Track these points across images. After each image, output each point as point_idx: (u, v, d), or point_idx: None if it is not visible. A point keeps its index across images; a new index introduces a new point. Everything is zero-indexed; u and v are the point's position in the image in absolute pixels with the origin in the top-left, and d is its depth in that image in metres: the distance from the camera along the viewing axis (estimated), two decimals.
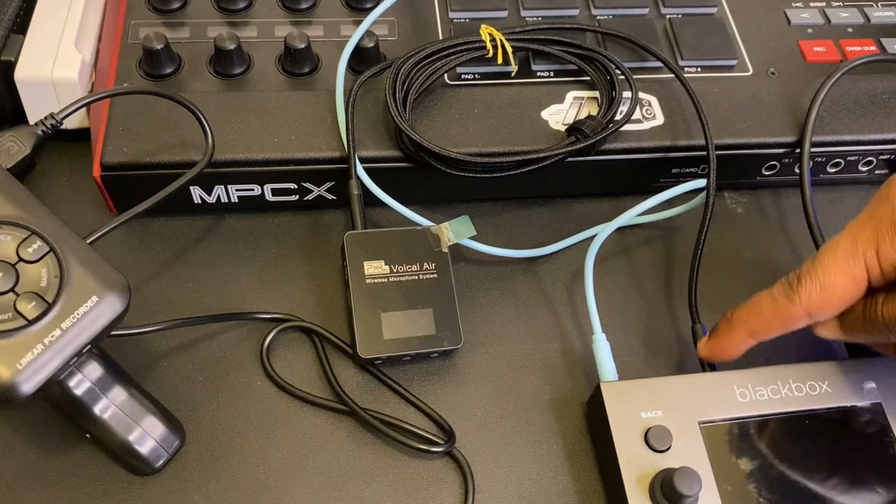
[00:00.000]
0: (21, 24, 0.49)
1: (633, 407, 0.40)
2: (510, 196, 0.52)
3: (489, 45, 0.49)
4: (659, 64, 0.51)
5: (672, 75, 0.51)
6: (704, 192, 0.47)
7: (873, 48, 0.55)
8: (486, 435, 0.43)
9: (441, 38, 0.52)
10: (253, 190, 0.48)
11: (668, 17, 0.55)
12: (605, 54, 0.50)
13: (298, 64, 0.49)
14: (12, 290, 0.32)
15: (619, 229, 0.49)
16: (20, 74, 0.47)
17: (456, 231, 0.45)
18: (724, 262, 0.50)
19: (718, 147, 0.49)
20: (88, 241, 0.37)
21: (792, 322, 0.39)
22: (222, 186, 0.47)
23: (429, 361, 0.45)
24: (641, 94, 0.51)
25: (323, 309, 0.46)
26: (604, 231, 0.47)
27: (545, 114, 0.49)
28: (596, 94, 0.50)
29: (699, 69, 0.53)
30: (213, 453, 0.41)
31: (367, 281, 0.43)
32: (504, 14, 0.53)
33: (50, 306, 0.32)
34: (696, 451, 0.39)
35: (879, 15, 0.57)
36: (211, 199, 0.48)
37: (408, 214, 0.46)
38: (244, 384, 0.44)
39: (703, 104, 0.49)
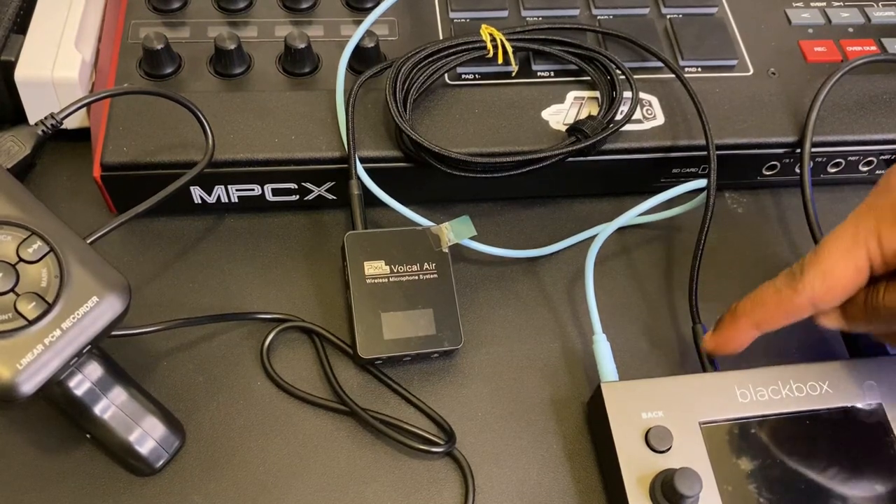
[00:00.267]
0: (21, 23, 0.49)
1: (633, 407, 0.40)
2: (510, 196, 0.52)
3: (489, 45, 0.49)
4: (659, 64, 0.51)
5: (673, 75, 0.51)
6: (705, 192, 0.47)
7: (874, 48, 0.55)
8: (486, 435, 0.43)
9: (441, 38, 0.52)
10: (253, 190, 0.48)
11: (668, 17, 0.55)
12: (605, 54, 0.50)
13: (299, 64, 0.49)
14: (12, 290, 0.32)
15: (620, 229, 0.49)
16: (20, 74, 0.47)
17: (456, 231, 0.45)
18: (724, 263, 0.50)
19: (719, 147, 0.49)
20: (88, 241, 0.37)
21: (796, 312, 0.39)
22: (222, 186, 0.47)
23: (429, 362, 0.45)
24: (642, 94, 0.51)
25: (323, 309, 0.46)
26: (604, 231, 0.47)
27: (546, 114, 0.49)
28: (596, 94, 0.50)
29: (700, 69, 0.52)
30: (214, 453, 0.41)
31: (368, 281, 0.43)
32: (504, 14, 0.53)
33: (50, 307, 0.32)
34: (696, 451, 0.39)
35: (880, 15, 0.57)
36: (211, 199, 0.48)
37: (408, 214, 0.46)
38: (244, 384, 0.44)
39: (704, 104, 0.49)
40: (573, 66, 0.51)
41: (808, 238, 0.47)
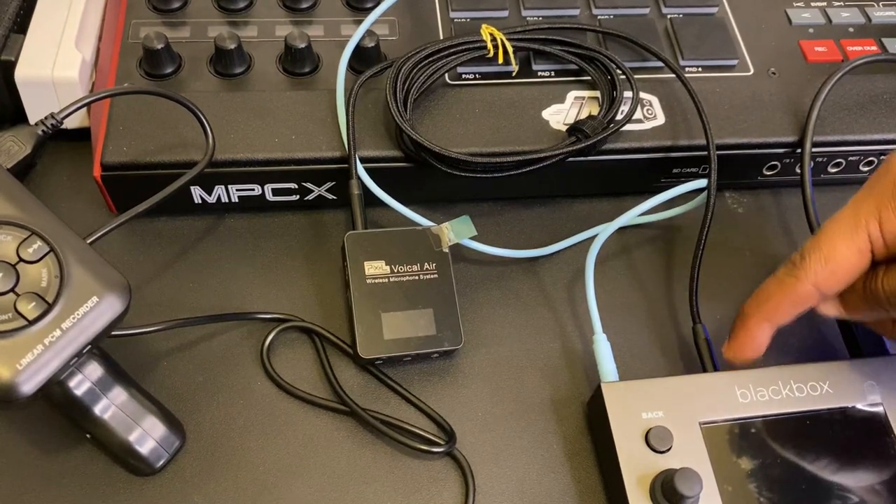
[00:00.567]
0: (21, 23, 0.49)
1: (633, 407, 0.40)
2: (511, 196, 0.52)
3: (490, 45, 0.49)
4: (660, 64, 0.51)
5: (673, 75, 0.51)
6: (705, 192, 0.47)
7: (874, 48, 0.55)
8: (486, 435, 0.43)
9: (442, 37, 0.52)
10: (253, 190, 0.48)
11: (668, 16, 0.55)
12: (606, 54, 0.50)
13: (299, 63, 0.49)
14: (12, 290, 0.32)
15: (620, 229, 0.49)
16: (20, 74, 0.47)
17: (456, 231, 0.45)
18: (725, 263, 0.50)
19: (719, 147, 0.49)
20: (88, 241, 0.37)
21: (801, 299, 0.39)
22: (223, 186, 0.47)
23: (429, 362, 0.45)
24: (642, 94, 0.50)
25: (323, 309, 0.46)
26: (605, 231, 0.47)
27: (546, 114, 0.49)
28: (597, 93, 0.50)
29: (700, 69, 0.52)
30: (214, 453, 0.41)
31: (368, 281, 0.43)
32: (505, 14, 0.53)
33: (50, 307, 0.32)
34: (696, 451, 0.39)
35: (880, 15, 0.57)
36: (211, 199, 0.48)
37: (408, 214, 0.46)
38: (244, 384, 0.44)
39: (704, 104, 0.49)
40: (573, 66, 0.51)
41: (809, 238, 0.47)
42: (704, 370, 0.43)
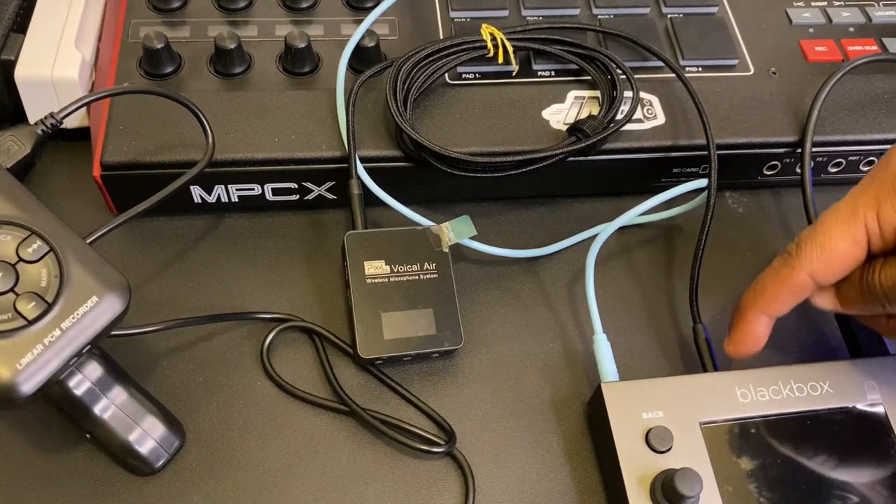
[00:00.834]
0: (21, 23, 0.49)
1: (633, 407, 0.40)
2: (511, 196, 0.52)
3: (490, 45, 0.49)
4: (660, 63, 0.51)
5: (673, 75, 0.50)
6: (706, 191, 0.47)
7: (875, 48, 0.55)
8: (486, 435, 0.43)
9: (442, 37, 0.52)
10: (253, 189, 0.48)
11: (669, 16, 0.55)
12: (606, 54, 0.50)
13: (299, 63, 0.49)
14: (12, 290, 0.32)
15: (620, 229, 0.49)
16: (20, 74, 0.47)
17: (456, 231, 0.45)
18: (725, 263, 0.50)
19: (720, 147, 0.49)
20: (88, 241, 0.37)
21: (797, 289, 0.39)
22: (222, 186, 0.47)
23: (429, 361, 0.45)
24: (642, 94, 0.50)
25: (323, 309, 0.46)
26: (605, 231, 0.47)
27: (546, 113, 0.49)
28: (597, 93, 0.50)
29: (700, 69, 0.52)
30: (214, 453, 0.41)
31: (368, 281, 0.43)
32: (505, 13, 0.53)
33: (50, 306, 0.32)
34: (696, 451, 0.39)
35: (881, 14, 0.57)
36: (211, 199, 0.48)
37: (408, 214, 0.46)
38: (244, 384, 0.44)
39: (705, 104, 0.49)
40: (574, 66, 0.51)
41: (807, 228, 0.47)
42: (705, 370, 0.43)
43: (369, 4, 0.52)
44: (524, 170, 0.47)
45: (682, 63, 0.52)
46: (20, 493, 0.39)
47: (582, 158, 0.48)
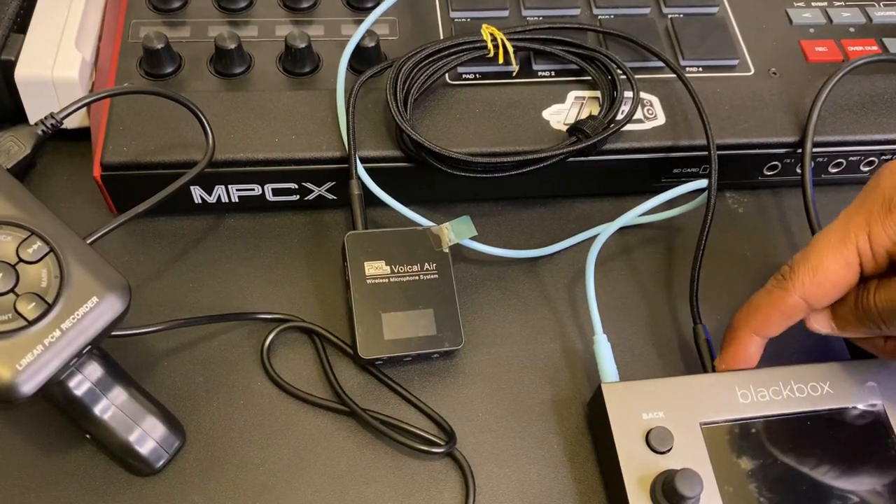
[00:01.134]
0: (21, 23, 0.49)
1: (634, 408, 0.40)
2: (511, 196, 0.52)
3: (490, 45, 0.49)
4: (660, 64, 0.51)
5: (674, 75, 0.50)
6: (706, 192, 0.47)
7: (875, 48, 0.55)
8: (486, 436, 0.43)
9: (442, 37, 0.52)
10: (253, 190, 0.48)
11: (669, 16, 0.55)
12: (606, 54, 0.50)
13: (299, 63, 0.49)
14: (12, 290, 0.32)
15: (621, 229, 0.49)
16: (20, 74, 0.47)
17: (457, 231, 0.45)
18: (725, 263, 0.50)
19: (720, 147, 0.49)
20: (88, 242, 0.37)
21: (789, 311, 0.39)
22: (223, 186, 0.47)
23: (429, 362, 0.45)
24: (643, 94, 0.50)
25: (323, 309, 0.46)
26: (605, 231, 0.47)
27: (546, 114, 0.49)
28: (597, 93, 0.50)
29: (701, 69, 0.52)
30: (214, 454, 0.41)
31: (368, 281, 0.43)
32: (505, 14, 0.53)
33: (50, 307, 0.32)
34: (697, 452, 0.39)
35: (881, 15, 0.57)
36: (211, 199, 0.48)
37: (408, 214, 0.46)
38: (244, 384, 0.44)
39: (705, 104, 0.49)
40: (574, 66, 0.51)
41: (809, 238, 0.47)
42: (705, 370, 0.43)
43: (369, 4, 0.52)
44: (524, 170, 0.47)
45: (683, 63, 0.52)
46: (20, 493, 0.39)
47: (582, 159, 0.48)
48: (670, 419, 0.40)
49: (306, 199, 0.49)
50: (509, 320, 0.47)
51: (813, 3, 0.57)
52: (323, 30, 0.51)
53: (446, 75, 0.50)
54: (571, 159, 0.48)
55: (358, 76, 0.48)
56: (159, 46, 0.47)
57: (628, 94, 0.49)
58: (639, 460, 0.39)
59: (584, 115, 0.49)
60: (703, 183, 0.47)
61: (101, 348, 0.38)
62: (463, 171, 0.46)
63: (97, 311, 0.33)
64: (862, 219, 0.37)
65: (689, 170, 0.51)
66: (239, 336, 0.45)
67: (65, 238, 0.34)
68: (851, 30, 0.56)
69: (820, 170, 0.52)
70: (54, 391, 0.36)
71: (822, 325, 0.40)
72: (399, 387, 0.44)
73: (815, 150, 0.50)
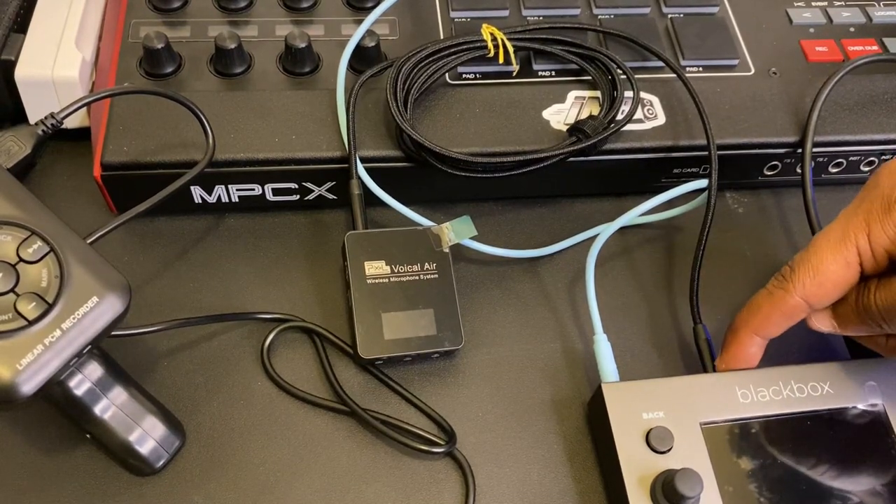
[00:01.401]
0: (21, 23, 0.49)
1: (634, 408, 0.40)
2: (511, 196, 0.52)
3: (490, 45, 0.49)
4: (660, 64, 0.51)
5: (674, 75, 0.50)
6: (706, 192, 0.47)
7: (875, 48, 0.55)
8: (486, 435, 0.43)
9: (442, 37, 0.52)
10: (254, 190, 0.48)
11: (669, 16, 0.55)
12: (606, 54, 0.50)
13: (299, 63, 0.49)
14: (12, 290, 0.32)
15: (621, 229, 0.49)
16: (20, 73, 0.47)
17: (457, 231, 0.45)
18: (725, 263, 0.50)
19: (720, 147, 0.49)
20: (88, 241, 0.37)
21: (790, 311, 0.40)
22: (223, 186, 0.47)
23: (430, 362, 0.45)
24: (643, 94, 0.50)
25: (323, 309, 0.46)
26: (605, 231, 0.47)
27: (546, 113, 0.49)
28: (597, 93, 0.50)
29: (701, 69, 0.52)
30: (214, 453, 0.41)
31: (368, 281, 0.43)
32: (505, 13, 0.53)
33: (50, 307, 0.32)
34: (697, 452, 0.39)
35: (881, 14, 0.57)
36: (211, 199, 0.48)
37: (409, 214, 0.46)
38: (244, 384, 0.44)
39: (705, 104, 0.49)
40: (574, 66, 0.51)
41: (810, 238, 0.47)
42: (705, 370, 0.43)
43: (369, 4, 0.52)
44: (524, 170, 0.47)
45: (683, 63, 0.52)
46: (20, 493, 0.39)
47: (582, 159, 0.48)
48: (670, 419, 0.40)
49: (306, 198, 0.49)
50: (509, 320, 0.47)
51: (813, 3, 0.57)
52: (323, 30, 0.51)
53: (446, 75, 0.50)
54: (571, 159, 0.48)
55: (358, 76, 0.48)
56: (159, 46, 0.47)
57: (628, 93, 0.49)
58: (639, 460, 0.39)
59: (584, 115, 0.49)
60: (703, 183, 0.47)
61: (101, 348, 0.38)
62: (463, 171, 0.46)
63: (97, 310, 0.33)
64: (861, 219, 0.38)
65: (689, 170, 0.51)
66: (239, 336, 0.45)
67: (65, 238, 0.34)
68: (851, 30, 0.56)
69: (820, 170, 0.52)
70: (54, 391, 0.36)
71: (823, 323, 0.40)
72: (399, 386, 0.44)
73: (815, 149, 0.50)
